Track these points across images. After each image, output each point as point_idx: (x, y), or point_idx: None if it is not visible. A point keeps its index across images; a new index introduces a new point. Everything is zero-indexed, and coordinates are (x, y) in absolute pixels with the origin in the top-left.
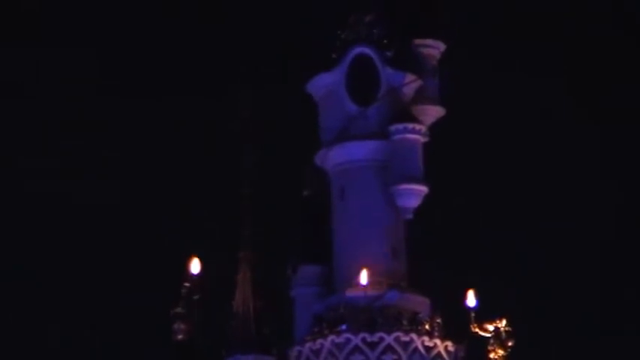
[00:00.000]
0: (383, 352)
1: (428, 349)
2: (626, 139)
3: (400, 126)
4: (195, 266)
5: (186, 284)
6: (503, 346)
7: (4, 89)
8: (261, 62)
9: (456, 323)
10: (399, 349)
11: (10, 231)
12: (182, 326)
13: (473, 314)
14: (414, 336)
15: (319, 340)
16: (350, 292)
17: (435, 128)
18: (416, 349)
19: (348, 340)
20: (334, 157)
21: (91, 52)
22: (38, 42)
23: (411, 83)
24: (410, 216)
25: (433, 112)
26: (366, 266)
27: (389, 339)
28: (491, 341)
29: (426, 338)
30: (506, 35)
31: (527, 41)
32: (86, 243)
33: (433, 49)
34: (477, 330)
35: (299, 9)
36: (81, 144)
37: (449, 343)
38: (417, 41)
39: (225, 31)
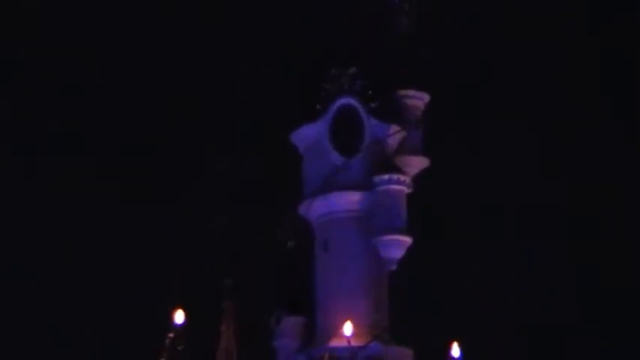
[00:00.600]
0: None
1: None
2: None
3: (384, 177)
4: (179, 317)
5: (170, 335)
6: None
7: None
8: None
9: None
10: None
11: (9, 230)
12: None
13: None
14: None
15: None
16: (333, 343)
17: (419, 179)
18: None
19: None
20: (318, 208)
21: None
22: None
23: (395, 134)
24: (394, 267)
25: (417, 163)
26: (350, 317)
27: None
28: None
29: None
30: (506, 35)
31: (527, 41)
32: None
33: (417, 100)
34: None
35: (298, 11)
36: None
37: None
38: (401, 92)
39: (225, 31)
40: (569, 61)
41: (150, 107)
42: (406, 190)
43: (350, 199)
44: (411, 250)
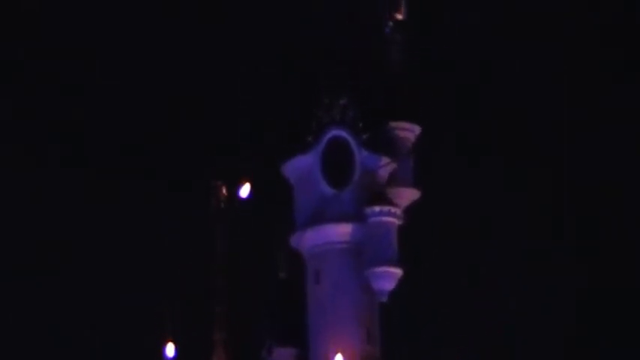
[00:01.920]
0: None
1: None
2: None
3: (375, 208)
4: (170, 350)
5: None
6: None
7: None
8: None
9: None
10: None
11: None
12: None
13: None
14: None
15: None
16: None
17: (409, 210)
18: None
19: None
20: (309, 240)
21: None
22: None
23: (386, 166)
24: (385, 298)
25: (408, 195)
26: (341, 349)
27: None
28: None
29: None
30: (506, 35)
31: (527, 41)
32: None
33: (408, 131)
34: None
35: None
36: None
37: None
38: (393, 124)
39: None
40: (569, 61)
41: (150, 107)
42: (397, 221)
43: (341, 231)
44: (402, 282)
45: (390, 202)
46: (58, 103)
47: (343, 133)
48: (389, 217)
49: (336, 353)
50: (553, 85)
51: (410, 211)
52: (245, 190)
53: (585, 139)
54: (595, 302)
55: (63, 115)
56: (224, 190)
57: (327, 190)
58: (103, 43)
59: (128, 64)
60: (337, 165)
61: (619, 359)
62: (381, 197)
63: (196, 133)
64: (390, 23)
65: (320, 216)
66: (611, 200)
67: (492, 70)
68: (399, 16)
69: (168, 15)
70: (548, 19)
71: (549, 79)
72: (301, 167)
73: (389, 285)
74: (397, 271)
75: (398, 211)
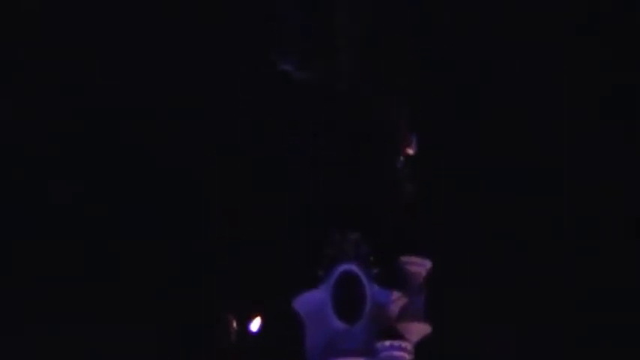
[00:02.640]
0: None
1: None
2: None
3: (386, 343)
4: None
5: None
6: None
7: None
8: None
9: None
10: None
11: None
12: None
13: None
14: None
15: None
16: None
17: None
18: None
19: None
20: None
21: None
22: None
23: (397, 300)
24: None
25: (419, 330)
26: None
27: None
28: None
29: None
30: (506, 35)
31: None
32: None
33: (419, 266)
34: None
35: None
36: None
37: None
38: (404, 258)
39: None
40: (569, 61)
41: (150, 107)
42: (408, 356)
43: None
44: None
45: (401, 337)
46: (58, 103)
47: (354, 268)
48: (400, 351)
49: None
50: (553, 85)
51: (421, 346)
52: (256, 325)
53: (585, 139)
54: (595, 302)
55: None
56: (234, 324)
57: (338, 324)
58: (103, 43)
59: (128, 64)
60: (348, 300)
61: (619, 359)
62: (392, 332)
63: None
64: (402, 158)
65: (331, 350)
66: (611, 200)
67: (492, 70)
68: (410, 151)
69: (169, 15)
70: (548, 19)
71: (549, 79)
72: (312, 302)
73: None
74: None
75: (409, 345)
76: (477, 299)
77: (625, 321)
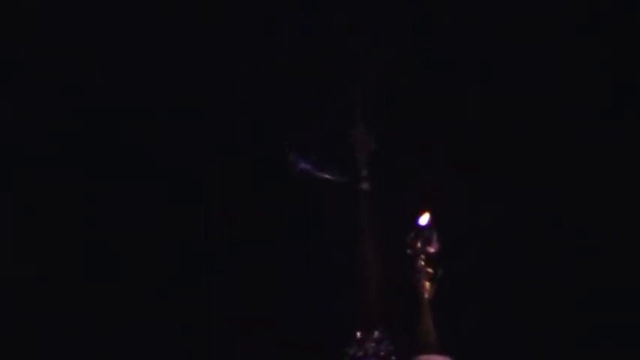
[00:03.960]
0: None
1: None
2: None
3: None
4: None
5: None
6: None
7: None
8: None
9: None
10: None
11: (8, 230)
12: None
13: None
14: None
15: None
16: None
17: None
18: None
19: None
20: None
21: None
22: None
23: None
24: None
25: None
26: None
27: None
28: None
29: None
30: (506, 35)
31: (527, 41)
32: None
33: None
34: None
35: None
36: None
37: None
38: (423, 357)
39: (225, 31)
40: (569, 61)
41: (150, 107)
42: None
43: None
44: None
45: None
46: (58, 103)
47: None
48: None
49: None
50: (553, 85)
51: None
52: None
53: (585, 139)
54: (595, 302)
55: (63, 115)
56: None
57: None
58: (103, 43)
59: (128, 64)
60: None
61: (619, 359)
62: None
63: None
64: (423, 256)
65: None
66: (611, 200)
67: (492, 70)
68: (432, 250)
69: (168, 15)
70: (548, 19)
71: (549, 79)
72: None
73: None
74: None
75: None
76: (476, 299)
77: (625, 321)
